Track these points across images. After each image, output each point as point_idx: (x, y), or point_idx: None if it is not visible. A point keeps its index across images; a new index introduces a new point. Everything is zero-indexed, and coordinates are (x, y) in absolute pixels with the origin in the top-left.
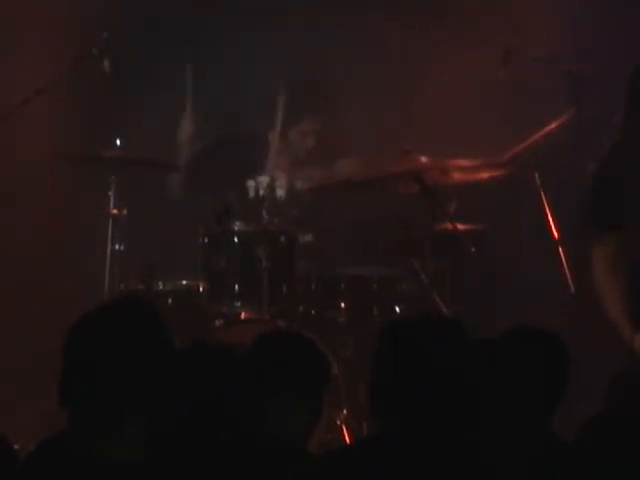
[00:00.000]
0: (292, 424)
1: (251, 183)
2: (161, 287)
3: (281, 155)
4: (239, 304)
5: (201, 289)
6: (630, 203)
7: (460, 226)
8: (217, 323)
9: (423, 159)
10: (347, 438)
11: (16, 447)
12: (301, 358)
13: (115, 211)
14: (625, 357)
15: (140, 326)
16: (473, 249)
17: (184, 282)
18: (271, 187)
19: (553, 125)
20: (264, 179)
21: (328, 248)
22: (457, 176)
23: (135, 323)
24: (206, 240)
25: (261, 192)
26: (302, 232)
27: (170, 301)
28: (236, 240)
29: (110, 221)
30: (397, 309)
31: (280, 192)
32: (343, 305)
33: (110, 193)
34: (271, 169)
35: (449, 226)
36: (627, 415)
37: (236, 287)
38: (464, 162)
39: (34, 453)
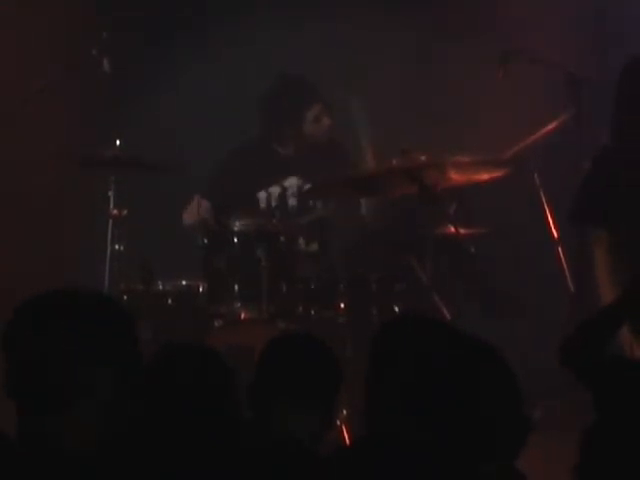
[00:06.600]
0: (302, 427)
1: (262, 195)
2: (161, 287)
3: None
4: (239, 304)
5: (201, 289)
6: (624, 202)
7: (460, 226)
8: (217, 323)
9: (422, 158)
10: (347, 438)
11: None
12: (315, 361)
13: (115, 211)
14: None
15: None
16: (473, 249)
17: (184, 282)
18: (282, 197)
19: (553, 125)
20: (275, 189)
21: (330, 251)
22: (456, 177)
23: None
24: (206, 240)
25: (273, 203)
26: (309, 241)
27: (170, 301)
28: (236, 240)
29: (110, 221)
30: (396, 309)
31: (292, 201)
32: (342, 305)
33: (110, 193)
34: (283, 176)
35: (449, 226)
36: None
37: (236, 287)
38: (463, 158)
39: None
